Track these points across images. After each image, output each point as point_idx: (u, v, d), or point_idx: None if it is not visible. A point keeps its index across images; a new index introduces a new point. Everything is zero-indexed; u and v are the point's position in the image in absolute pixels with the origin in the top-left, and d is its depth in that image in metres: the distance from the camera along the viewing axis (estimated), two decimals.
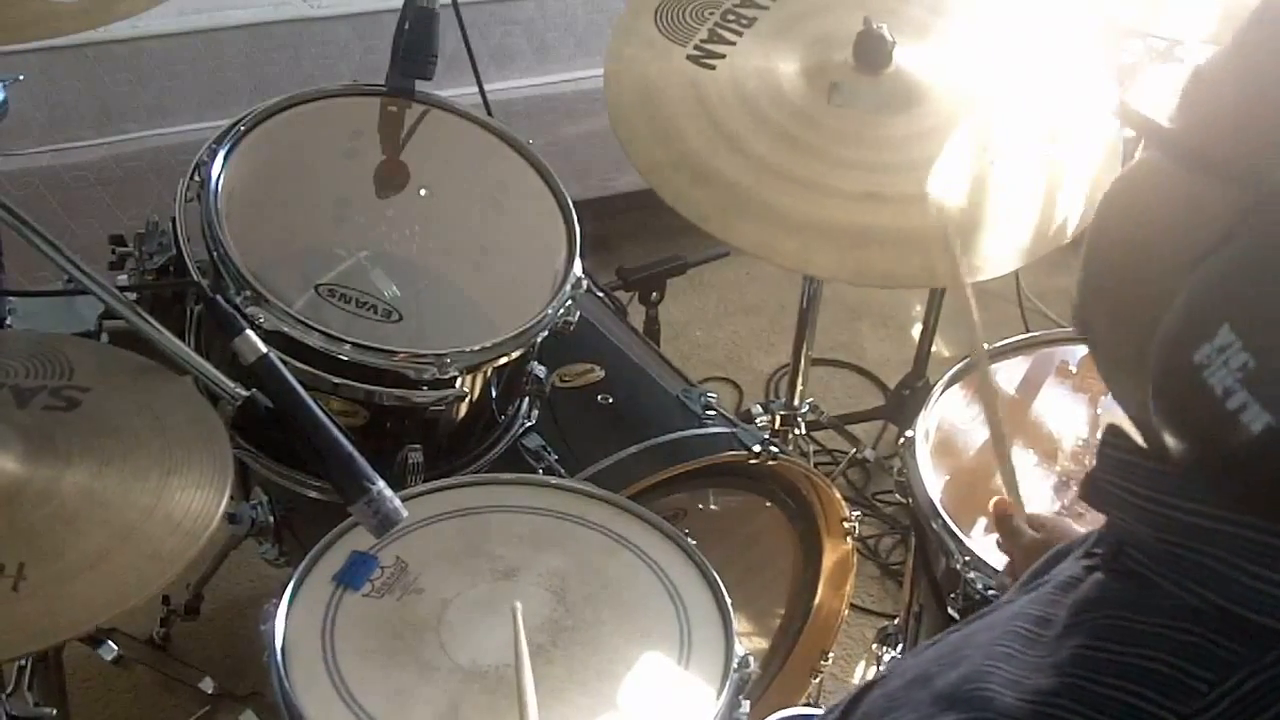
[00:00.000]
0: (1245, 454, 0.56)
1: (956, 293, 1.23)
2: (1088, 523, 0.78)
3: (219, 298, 1.30)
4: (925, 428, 1.66)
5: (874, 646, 1.86)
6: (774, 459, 1.68)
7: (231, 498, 1.28)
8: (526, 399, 1.73)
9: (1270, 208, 0.56)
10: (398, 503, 1.17)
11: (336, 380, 1.52)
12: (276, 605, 1.31)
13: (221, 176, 1.58)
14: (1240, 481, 0.58)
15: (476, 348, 1.56)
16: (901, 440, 1.66)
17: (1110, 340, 0.67)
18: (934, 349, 2.57)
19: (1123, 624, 0.63)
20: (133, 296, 1.44)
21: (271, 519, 1.70)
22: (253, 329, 1.22)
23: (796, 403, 2.12)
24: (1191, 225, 0.60)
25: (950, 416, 1.71)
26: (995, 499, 1.21)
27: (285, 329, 1.49)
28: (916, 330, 2.66)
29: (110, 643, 1.61)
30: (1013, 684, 0.64)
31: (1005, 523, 1.17)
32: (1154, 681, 0.60)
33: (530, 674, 1.23)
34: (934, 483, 1.59)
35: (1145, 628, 0.62)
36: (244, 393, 1.19)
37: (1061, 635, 0.65)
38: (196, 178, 1.58)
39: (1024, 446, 1.67)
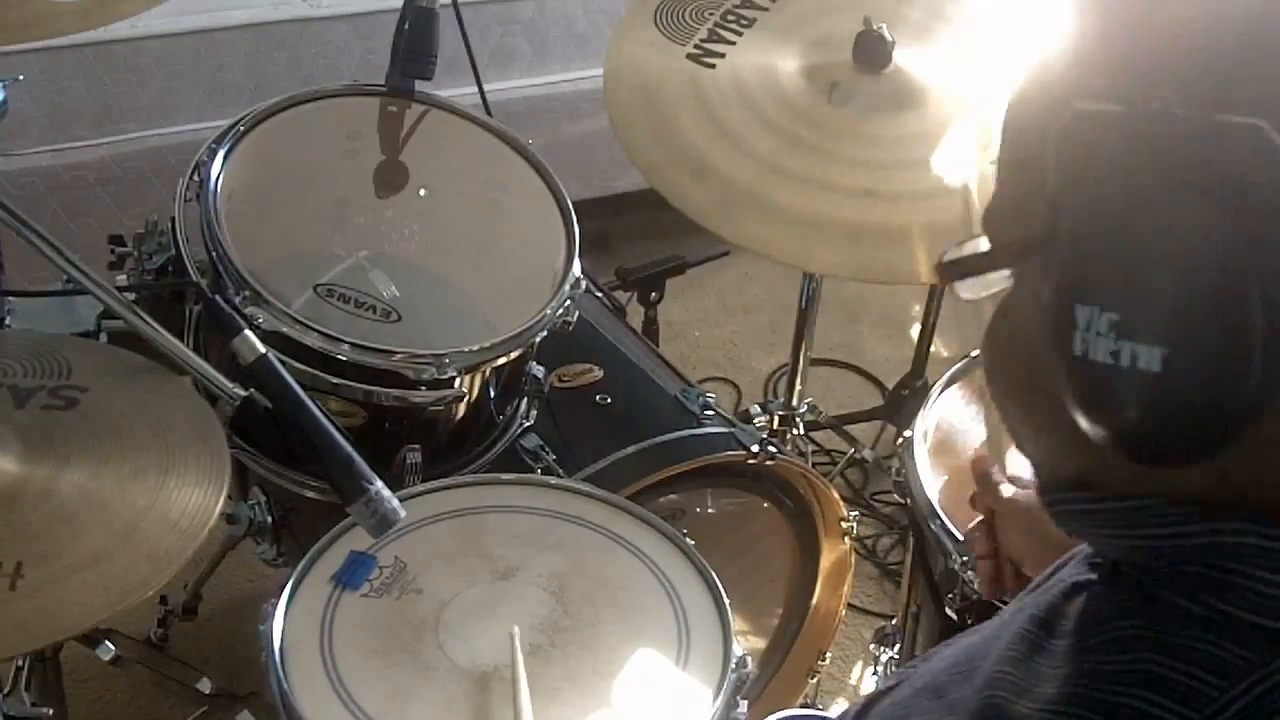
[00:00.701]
0: (1163, 397, 0.58)
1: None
2: None
3: (218, 298, 1.30)
4: (924, 428, 1.66)
5: (871, 647, 1.86)
6: (772, 459, 1.68)
7: (229, 498, 1.28)
8: (525, 399, 1.73)
9: (1066, 224, 0.61)
10: (396, 503, 1.17)
11: (335, 380, 1.52)
12: (275, 605, 1.31)
13: (221, 176, 1.58)
14: (1169, 431, 0.59)
15: (475, 348, 1.56)
16: (900, 440, 1.66)
17: (1032, 434, 0.70)
18: (933, 349, 2.57)
19: (1131, 634, 0.64)
20: (131, 296, 1.44)
21: (269, 519, 1.70)
22: (251, 329, 1.22)
23: (795, 403, 2.12)
24: (1043, 297, 0.63)
25: (949, 417, 1.71)
26: (975, 455, 1.20)
27: (284, 329, 1.49)
28: (915, 331, 2.66)
29: (108, 643, 1.61)
30: (1024, 692, 0.65)
31: (985, 479, 1.16)
32: (1164, 687, 0.61)
33: (528, 697, 1.23)
34: (932, 483, 1.59)
35: (1153, 636, 0.63)
36: (242, 393, 1.20)
37: (1070, 645, 0.66)
38: (196, 178, 1.58)
39: None
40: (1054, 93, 0.63)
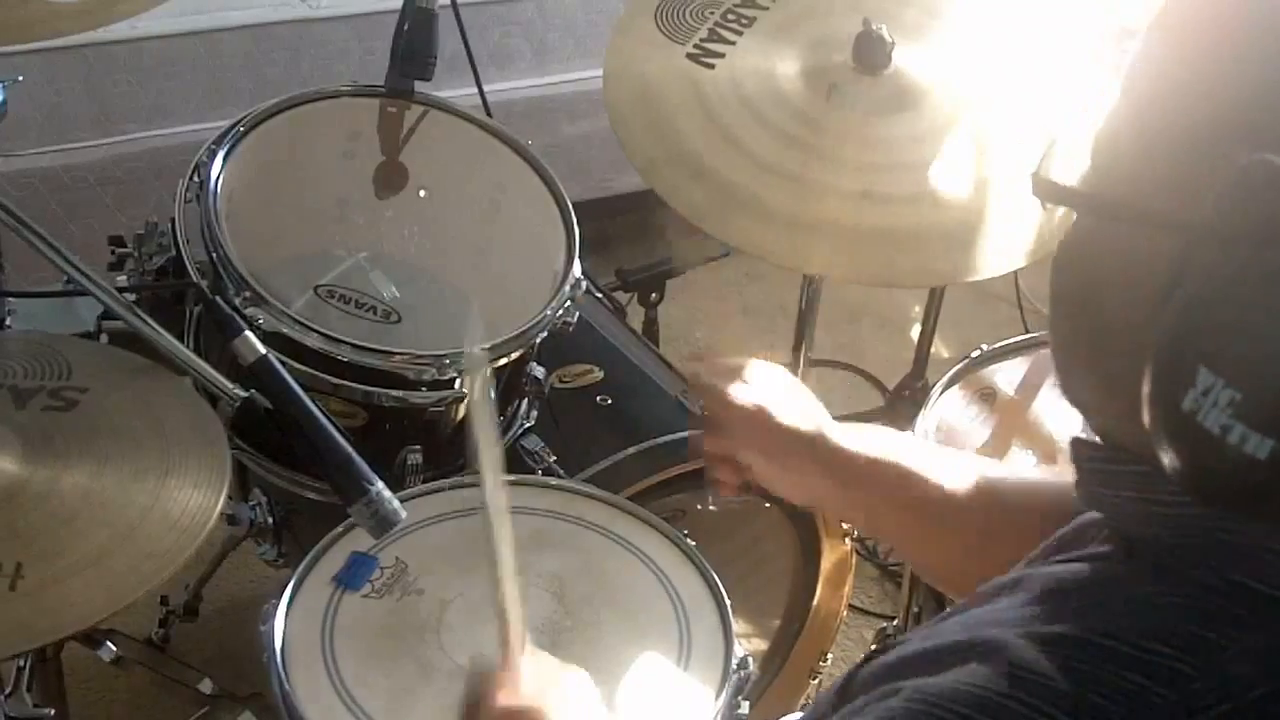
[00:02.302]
0: (1257, 477, 0.57)
1: None
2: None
3: (218, 299, 1.30)
4: (924, 429, 1.66)
5: (872, 648, 1.85)
6: None
7: (230, 498, 1.28)
8: (525, 400, 1.73)
9: (1207, 247, 0.58)
10: (396, 504, 1.17)
11: (335, 381, 1.52)
12: (276, 606, 1.30)
13: (221, 177, 1.58)
14: (1251, 496, 0.59)
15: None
16: None
17: (1086, 387, 0.70)
18: (933, 350, 2.57)
19: (1140, 594, 0.64)
20: (132, 297, 1.43)
21: (270, 520, 1.70)
22: (252, 330, 1.22)
23: None
24: (1137, 276, 0.62)
25: (949, 418, 1.71)
26: (689, 354, 1.19)
27: (284, 330, 1.49)
28: (915, 331, 2.66)
29: (109, 643, 1.61)
30: (1032, 636, 0.65)
31: (706, 385, 1.14)
32: (1173, 638, 0.61)
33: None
34: None
35: (1163, 598, 0.63)
36: (243, 394, 1.20)
37: (1078, 606, 0.66)
38: (196, 179, 1.58)
39: (1024, 447, 1.67)
40: (1245, 128, 0.60)
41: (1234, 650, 0.60)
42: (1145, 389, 0.60)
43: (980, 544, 1.04)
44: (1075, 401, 0.71)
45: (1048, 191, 0.67)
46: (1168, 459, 0.60)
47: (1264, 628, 0.60)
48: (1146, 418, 0.60)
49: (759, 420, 1.12)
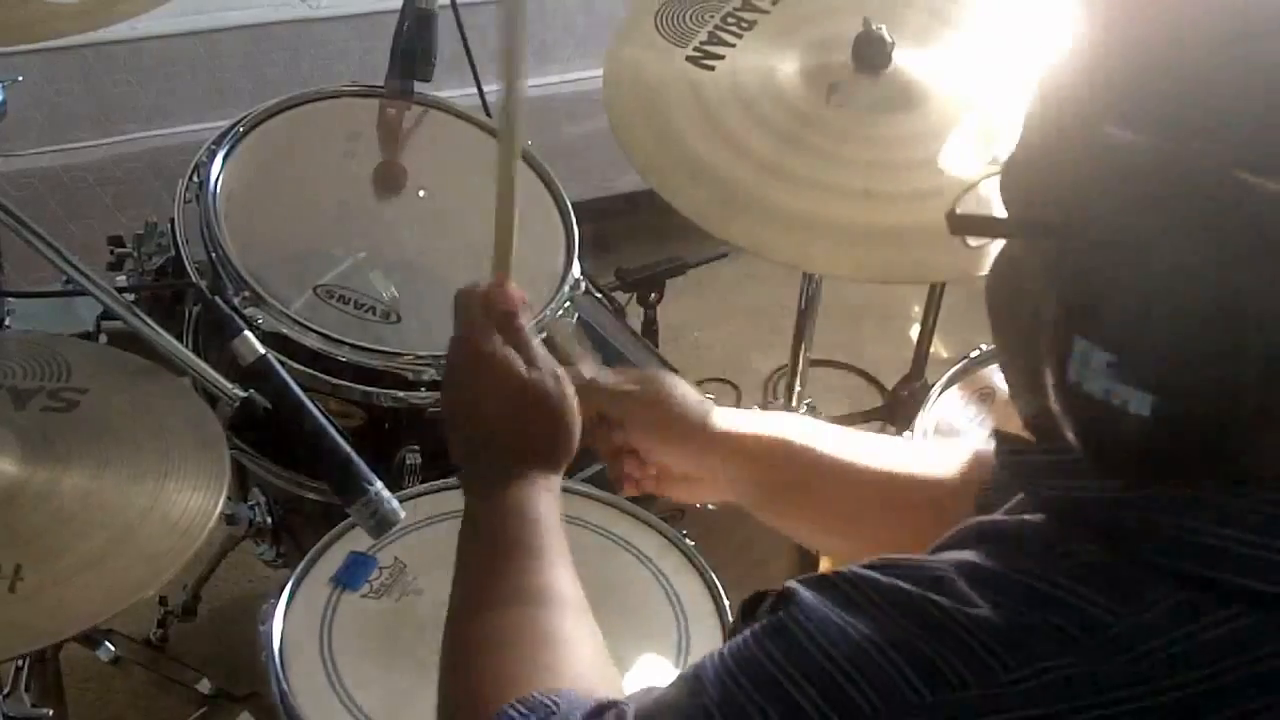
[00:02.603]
0: (1146, 435, 0.60)
1: None
2: None
3: (217, 299, 1.30)
4: (923, 428, 1.66)
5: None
6: None
7: (229, 498, 1.28)
8: None
9: (1077, 239, 0.62)
10: (395, 504, 1.17)
11: (334, 381, 1.52)
12: (274, 606, 1.31)
13: (220, 178, 1.59)
14: (1146, 457, 0.62)
15: None
16: None
17: (1023, 394, 0.72)
18: (932, 350, 2.57)
19: (1067, 549, 0.66)
20: (131, 297, 1.44)
21: (269, 520, 1.70)
22: (251, 330, 1.22)
23: (795, 403, 2.12)
24: (1038, 286, 0.65)
25: (948, 418, 1.71)
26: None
27: (283, 330, 1.49)
28: (915, 331, 2.66)
29: (108, 643, 1.61)
30: (957, 565, 0.67)
31: (585, 388, 1.08)
32: (1097, 591, 0.63)
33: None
34: None
35: (1086, 557, 0.65)
36: (242, 394, 1.20)
37: (1006, 549, 0.68)
38: (195, 179, 1.58)
39: None
40: (1089, 105, 0.64)
41: (1151, 607, 0.61)
42: (1046, 373, 0.63)
43: (873, 522, 1.07)
44: (1021, 414, 0.74)
45: (959, 225, 0.72)
46: (1072, 437, 0.63)
47: (1178, 591, 0.62)
48: (1050, 401, 0.64)
49: (656, 408, 1.11)
